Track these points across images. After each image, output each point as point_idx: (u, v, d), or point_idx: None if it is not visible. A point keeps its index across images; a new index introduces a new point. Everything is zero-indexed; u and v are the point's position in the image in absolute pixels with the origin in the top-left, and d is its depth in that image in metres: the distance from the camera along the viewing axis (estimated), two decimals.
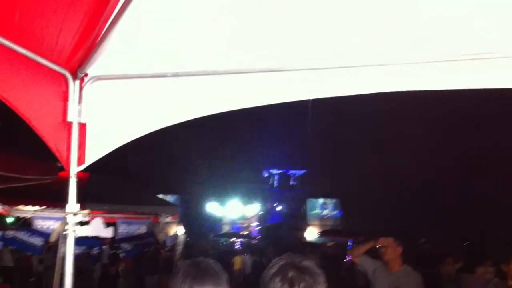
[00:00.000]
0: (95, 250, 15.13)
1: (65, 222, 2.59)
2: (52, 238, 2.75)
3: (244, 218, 46.37)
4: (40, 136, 2.49)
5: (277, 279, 2.31)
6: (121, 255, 17.78)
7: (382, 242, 6.07)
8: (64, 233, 2.59)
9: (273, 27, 2.31)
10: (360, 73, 2.54)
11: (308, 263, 2.39)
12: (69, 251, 2.60)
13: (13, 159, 5.43)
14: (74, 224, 2.61)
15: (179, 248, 17.25)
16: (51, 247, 14.89)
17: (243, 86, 2.71)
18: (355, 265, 6.70)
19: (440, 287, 10.69)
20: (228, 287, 2.46)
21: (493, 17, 2.14)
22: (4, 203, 13.46)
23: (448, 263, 11.16)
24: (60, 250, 2.68)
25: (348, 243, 30.20)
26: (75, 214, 2.62)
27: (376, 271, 6.08)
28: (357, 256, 6.35)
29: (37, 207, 13.54)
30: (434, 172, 32.19)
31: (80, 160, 2.66)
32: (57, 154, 2.59)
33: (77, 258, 2.64)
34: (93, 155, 2.72)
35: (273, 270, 2.36)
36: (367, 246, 6.34)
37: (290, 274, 2.31)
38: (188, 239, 21.34)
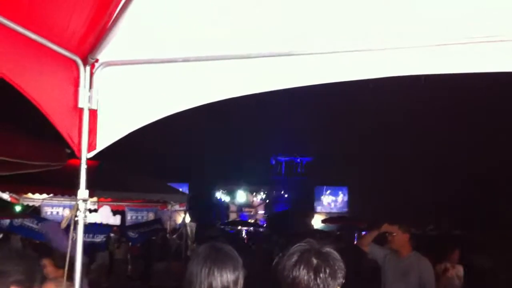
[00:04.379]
0: (103, 238, 15.22)
1: (76, 208, 2.59)
2: (63, 225, 2.75)
3: (251, 206, 46.41)
4: (51, 122, 2.49)
5: (301, 267, 2.27)
6: (129, 242, 17.87)
7: (385, 229, 6.07)
8: (75, 219, 2.59)
9: (284, 11, 2.30)
10: (366, 57, 2.54)
11: (329, 249, 2.36)
12: (80, 237, 2.61)
13: (20, 145, 5.41)
14: (84, 210, 2.61)
15: (187, 235, 17.29)
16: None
17: (253, 71, 2.69)
18: (365, 253, 6.65)
19: None
20: (243, 272, 2.48)
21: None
22: (12, 191, 13.52)
23: None
24: (70, 237, 2.68)
25: (355, 231, 30.23)
26: (85, 200, 2.62)
27: (387, 258, 6.08)
28: (366, 244, 6.30)
29: (45, 195, 13.58)
30: (442, 160, 32.05)
31: (91, 146, 2.66)
32: (68, 140, 2.59)
33: None
34: (104, 141, 2.72)
35: (295, 257, 2.31)
36: (373, 234, 6.33)
37: (314, 261, 2.29)
38: (195, 226, 21.37)
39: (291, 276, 2.28)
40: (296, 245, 2.38)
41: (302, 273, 2.26)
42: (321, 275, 2.25)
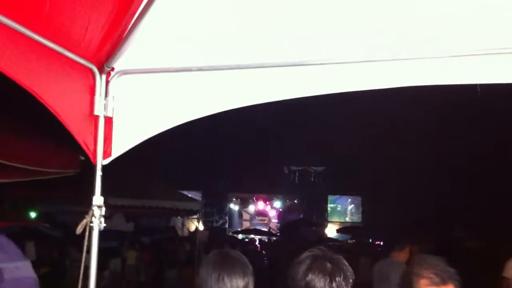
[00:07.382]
0: (116, 244, 15.26)
1: (91, 215, 2.62)
2: (78, 231, 2.76)
3: (264, 214, 46.31)
4: (68, 129, 2.52)
5: (316, 271, 2.28)
6: (142, 249, 17.92)
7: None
8: (90, 225, 2.61)
9: (298, 23, 2.32)
10: (373, 68, 2.56)
11: (339, 257, 2.37)
12: (95, 243, 2.63)
13: (34, 152, 5.45)
14: (99, 216, 2.63)
15: (200, 243, 17.30)
16: (74, 240, 15.06)
17: (266, 80, 2.72)
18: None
19: None
20: (253, 279, 2.48)
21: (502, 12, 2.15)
22: (28, 196, 13.60)
23: None
24: (85, 243, 2.69)
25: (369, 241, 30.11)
26: (100, 206, 2.64)
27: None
28: None
29: (61, 200, 13.65)
30: (459, 166, 31.56)
31: (107, 153, 2.69)
32: (84, 147, 2.62)
33: None
34: (119, 148, 2.75)
35: (307, 262, 2.33)
36: None
37: (329, 265, 2.30)
38: (208, 234, 21.37)
39: (305, 280, 2.29)
40: (307, 252, 2.39)
41: (317, 278, 2.27)
42: (336, 279, 2.26)
